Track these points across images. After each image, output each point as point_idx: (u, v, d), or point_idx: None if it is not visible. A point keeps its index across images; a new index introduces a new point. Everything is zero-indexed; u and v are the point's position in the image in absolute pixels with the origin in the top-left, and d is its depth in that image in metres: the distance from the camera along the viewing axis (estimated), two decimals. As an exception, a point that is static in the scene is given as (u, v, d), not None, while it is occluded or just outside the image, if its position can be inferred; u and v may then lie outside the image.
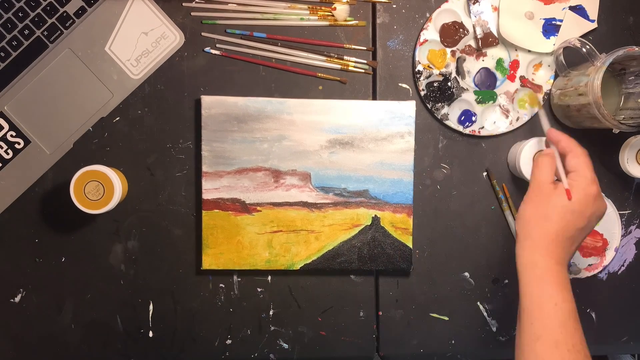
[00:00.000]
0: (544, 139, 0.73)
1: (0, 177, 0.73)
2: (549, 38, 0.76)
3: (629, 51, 0.68)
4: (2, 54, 0.72)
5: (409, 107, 0.75)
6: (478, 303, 0.79)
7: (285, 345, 0.78)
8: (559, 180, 0.62)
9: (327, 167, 0.75)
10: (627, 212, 0.81)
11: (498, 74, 0.77)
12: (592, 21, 0.77)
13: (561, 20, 0.76)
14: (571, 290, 0.59)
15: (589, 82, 0.69)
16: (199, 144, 0.75)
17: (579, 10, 0.77)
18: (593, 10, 0.77)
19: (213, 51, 0.75)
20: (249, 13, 0.75)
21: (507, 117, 0.78)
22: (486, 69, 0.77)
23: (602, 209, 0.62)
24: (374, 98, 0.77)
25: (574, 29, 0.77)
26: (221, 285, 0.77)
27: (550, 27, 0.76)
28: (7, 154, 0.73)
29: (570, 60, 0.75)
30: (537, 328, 0.57)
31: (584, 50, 0.71)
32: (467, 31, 0.76)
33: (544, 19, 0.76)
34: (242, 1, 0.75)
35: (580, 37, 0.76)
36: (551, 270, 0.59)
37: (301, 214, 0.75)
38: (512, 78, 0.77)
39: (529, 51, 0.77)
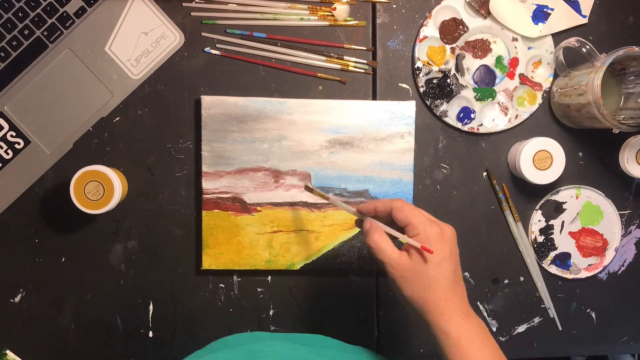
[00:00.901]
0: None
1: (0, 177, 0.73)
2: (536, 24, 0.76)
3: (629, 51, 0.68)
4: (2, 54, 0.72)
5: (409, 107, 0.75)
6: (478, 303, 0.79)
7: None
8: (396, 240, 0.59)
9: (327, 167, 0.75)
10: (627, 212, 0.81)
11: (497, 72, 0.77)
12: (584, 17, 0.77)
13: (552, 9, 0.76)
14: (488, 333, 0.56)
15: (589, 82, 0.69)
16: (199, 144, 0.75)
17: (572, 3, 0.77)
18: (587, 7, 0.77)
19: (213, 51, 0.75)
20: (249, 13, 0.75)
21: (506, 114, 0.78)
22: (485, 66, 0.77)
23: (450, 231, 0.58)
24: (374, 98, 0.77)
25: (563, 21, 0.77)
26: (221, 285, 0.77)
27: (541, 14, 0.76)
28: (7, 154, 0.73)
29: (570, 60, 0.75)
30: None
31: (584, 50, 0.71)
32: (467, 28, 0.76)
33: (536, 4, 0.76)
34: (242, 1, 0.75)
35: (568, 30, 0.76)
36: (464, 328, 0.55)
37: (301, 214, 0.75)
38: (511, 75, 0.77)
39: (528, 48, 0.77)
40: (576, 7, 0.77)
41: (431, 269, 0.55)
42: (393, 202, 0.58)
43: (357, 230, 0.75)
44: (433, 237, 0.56)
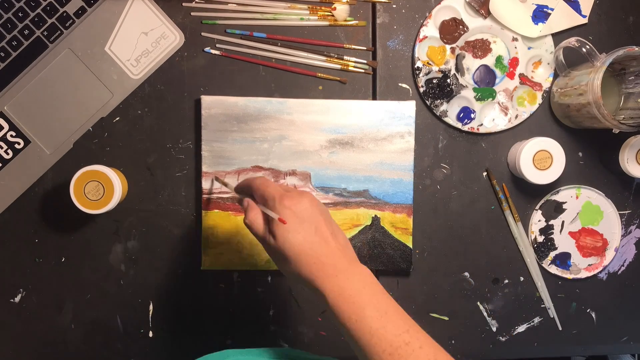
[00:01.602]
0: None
1: (0, 177, 0.73)
2: (537, 24, 0.76)
3: (629, 51, 0.68)
4: (2, 54, 0.72)
5: (409, 107, 0.75)
6: (478, 303, 0.79)
7: (285, 345, 0.78)
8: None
9: (327, 167, 0.75)
10: (627, 212, 0.81)
11: (497, 72, 0.77)
12: (584, 17, 0.77)
13: (552, 9, 0.76)
14: (368, 280, 0.55)
15: (589, 82, 0.69)
16: (199, 144, 0.75)
17: (572, 3, 0.77)
18: (586, 7, 0.77)
19: (213, 51, 0.75)
20: (249, 13, 0.75)
21: (506, 114, 0.78)
22: (485, 66, 0.77)
23: (304, 199, 0.56)
24: (374, 98, 0.77)
25: (563, 21, 0.77)
26: (221, 285, 0.77)
27: (541, 14, 0.76)
28: (7, 154, 0.73)
29: (570, 60, 0.76)
30: None
31: (584, 50, 0.71)
32: (467, 28, 0.76)
33: (536, 4, 0.76)
34: (242, 1, 0.75)
35: (568, 30, 0.76)
36: (339, 285, 0.54)
37: (301, 214, 0.75)
38: (511, 75, 0.77)
39: (528, 48, 0.77)
40: (576, 7, 0.77)
41: (292, 239, 0.55)
42: (253, 182, 0.59)
43: (357, 230, 0.75)
44: (286, 210, 0.55)
